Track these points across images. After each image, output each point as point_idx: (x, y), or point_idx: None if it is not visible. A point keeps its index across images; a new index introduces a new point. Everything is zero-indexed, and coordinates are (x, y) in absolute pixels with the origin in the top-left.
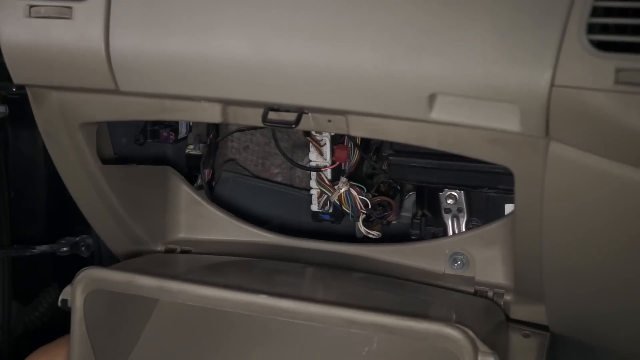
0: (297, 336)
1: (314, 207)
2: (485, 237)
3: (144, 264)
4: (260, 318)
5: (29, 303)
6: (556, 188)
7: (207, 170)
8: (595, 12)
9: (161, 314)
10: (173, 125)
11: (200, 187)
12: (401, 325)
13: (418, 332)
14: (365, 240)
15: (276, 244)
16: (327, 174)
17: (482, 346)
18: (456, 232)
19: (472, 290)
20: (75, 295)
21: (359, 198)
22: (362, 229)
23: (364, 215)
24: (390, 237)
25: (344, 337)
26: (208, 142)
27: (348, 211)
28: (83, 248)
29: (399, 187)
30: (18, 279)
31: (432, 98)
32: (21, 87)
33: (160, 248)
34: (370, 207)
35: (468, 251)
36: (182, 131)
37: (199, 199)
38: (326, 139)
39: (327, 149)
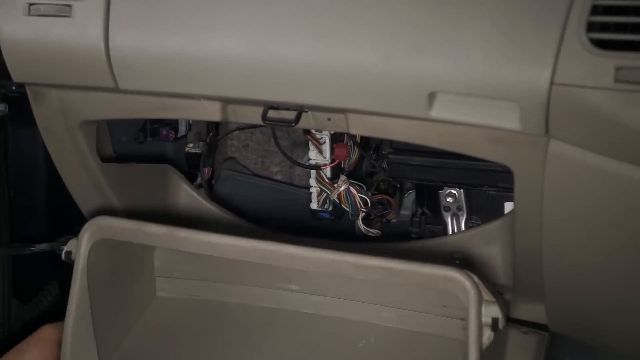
0: (294, 329)
1: (314, 206)
2: (485, 236)
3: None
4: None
5: (29, 301)
6: (556, 186)
7: (206, 169)
8: (595, 10)
9: (158, 308)
10: (173, 124)
11: (199, 186)
12: (407, 269)
13: (424, 275)
14: (365, 238)
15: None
16: (327, 172)
17: (486, 294)
18: (456, 230)
19: None
20: (82, 243)
21: (359, 196)
22: (362, 227)
23: (364, 214)
24: (390, 235)
25: (341, 330)
26: (208, 141)
27: (348, 209)
28: None
29: (398, 186)
30: (18, 278)
31: (431, 96)
32: (21, 85)
33: None
34: (369, 205)
35: (467, 250)
36: (182, 129)
37: (198, 197)
38: (326, 137)
39: (326, 147)
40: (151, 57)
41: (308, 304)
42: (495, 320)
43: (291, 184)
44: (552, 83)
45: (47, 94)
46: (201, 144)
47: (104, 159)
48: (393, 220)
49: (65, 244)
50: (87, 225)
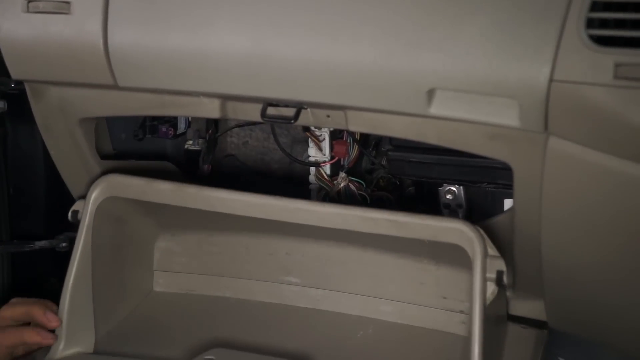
0: (293, 323)
1: None
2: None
3: None
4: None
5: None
6: (555, 183)
7: (206, 166)
8: (595, 6)
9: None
10: (172, 121)
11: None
12: (413, 221)
13: (430, 227)
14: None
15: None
16: (326, 169)
17: (492, 249)
18: None
19: None
20: (90, 200)
21: (358, 193)
22: None
23: None
24: None
25: (340, 323)
26: (207, 138)
27: None
28: None
29: (398, 182)
30: (17, 275)
31: (431, 93)
32: (20, 83)
33: None
34: (369, 202)
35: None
36: (181, 126)
37: None
38: (325, 135)
39: (326, 145)
40: (150, 54)
41: (307, 298)
42: (500, 274)
43: (291, 181)
44: (551, 80)
45: (46, 91)
46: (200, 141)
47: (103, 156)
48: None
49: (64, 241)
50: (97, 181)
